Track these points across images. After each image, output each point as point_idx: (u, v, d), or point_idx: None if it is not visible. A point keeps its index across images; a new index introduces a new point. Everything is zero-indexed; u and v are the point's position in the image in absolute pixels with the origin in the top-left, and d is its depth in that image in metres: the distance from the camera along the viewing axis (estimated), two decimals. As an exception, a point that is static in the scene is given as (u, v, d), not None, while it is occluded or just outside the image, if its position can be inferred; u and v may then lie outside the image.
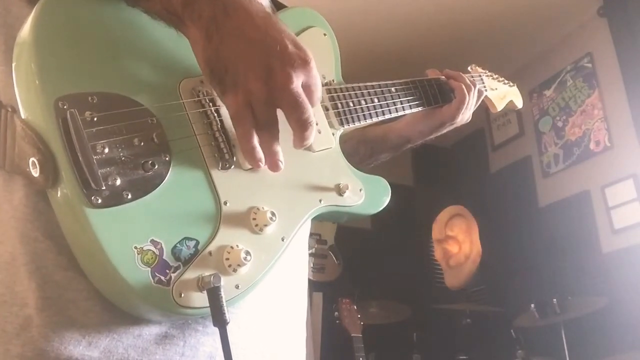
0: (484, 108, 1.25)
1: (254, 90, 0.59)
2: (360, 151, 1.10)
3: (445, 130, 1.11)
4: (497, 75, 1.29)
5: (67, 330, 0.55)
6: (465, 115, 1.10)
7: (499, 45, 3.63)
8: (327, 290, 3.59)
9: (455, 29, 3.51)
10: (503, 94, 1.29)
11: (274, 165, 0.66)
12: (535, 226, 3.57)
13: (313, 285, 3.52)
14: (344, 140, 0.85)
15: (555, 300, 2.64)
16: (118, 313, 0.58)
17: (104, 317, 0.57)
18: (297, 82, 0.60)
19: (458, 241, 3.74)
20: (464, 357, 3.32)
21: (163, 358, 0.60)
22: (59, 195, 0.55)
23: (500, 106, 1.27)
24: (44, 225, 0.58)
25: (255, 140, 0.63)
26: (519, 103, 1.33)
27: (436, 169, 4.54)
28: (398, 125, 1.11)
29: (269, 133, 0.63)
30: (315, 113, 0.64)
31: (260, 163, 0.65)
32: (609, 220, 3.11)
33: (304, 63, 0.61)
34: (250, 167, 0.67)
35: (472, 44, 3.60)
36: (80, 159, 0.54)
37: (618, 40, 3.18)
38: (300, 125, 0.63)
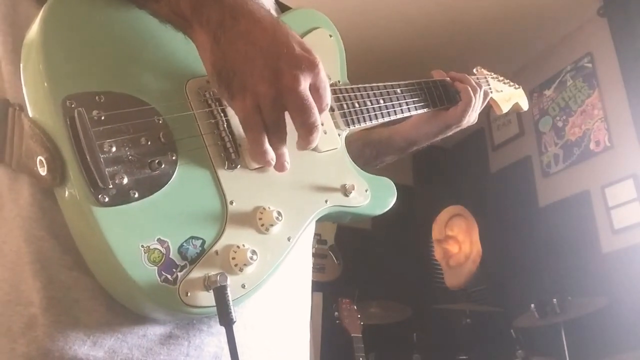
0: (484, 108, 1.25)
1: (262, 93, 0.59)
2: (366, 153, 1.10)
3: (450, 132, 1.11)
4: (502, 77, 1.29)
5: (72, 330, 0.55)
6: (471, 117, 1.10)
7: (499, 45, 3.63)
8: (327, 290, 3.59)
9: (455, 29, 3.51)
10: (508, 96, 1.29)
11: (280, 166, 0.67)
12: (535, 226, 3.56)
13: (313, 285, 3.48)
14: (349, 143, 0.85)
15: (555, 300, 2.64)
16: (123, 313, 0.58)
17: (108, 316, 0.57)
18: (305, 84, 0.60)
19: (458, 241, 3.74)
20: (464, 357, 3.32)
21: (167, 358, 0.60)
22: (66, 194, 0.55)
23: (505, 108, 1.27)
24: (49, 224, 0.57)
25: (266, 143, 0.63)
26: (525, 105, 1.33)
27: (436, 169, 4.54)
28: (403, 127, 1.10)
29: (278, 136, 0.63)
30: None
31: (271, 162, 0.65)
32: (609, 220, 3.11)
33: (312, 65, 0.60)
34: (256, 167, 0.67)
35: (473, 44, 3.60)
36: (87, 157, 0.54)
37: (618, 40, 3.18)
38: (307, 129, 0.62)
